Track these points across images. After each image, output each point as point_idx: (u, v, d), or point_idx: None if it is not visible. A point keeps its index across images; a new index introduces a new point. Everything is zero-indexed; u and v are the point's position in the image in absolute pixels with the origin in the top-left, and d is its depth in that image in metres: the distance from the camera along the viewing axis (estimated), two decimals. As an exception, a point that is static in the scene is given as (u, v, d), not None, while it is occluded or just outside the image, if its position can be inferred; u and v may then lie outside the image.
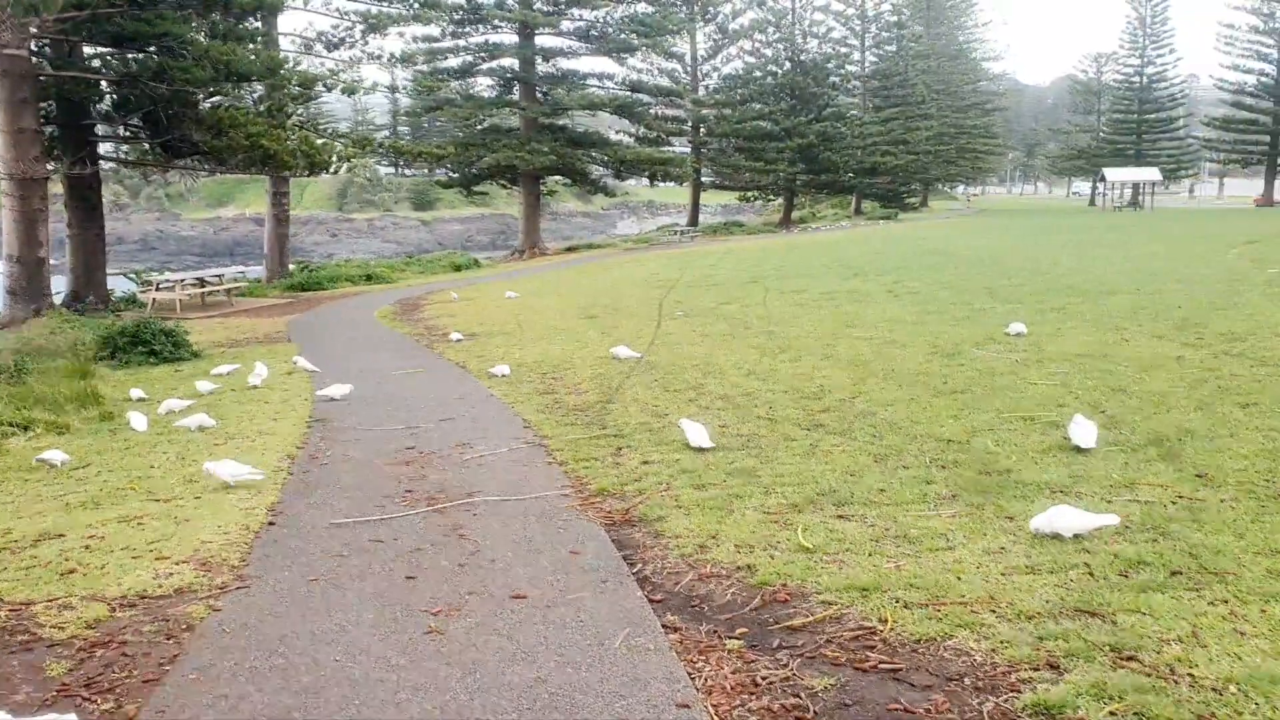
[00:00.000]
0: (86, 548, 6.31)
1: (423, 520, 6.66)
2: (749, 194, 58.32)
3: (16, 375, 13.33)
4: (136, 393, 12.55)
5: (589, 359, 13.54)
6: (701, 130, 53.85)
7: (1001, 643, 4.28)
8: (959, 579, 4.99)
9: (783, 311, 16.95)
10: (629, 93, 45.87)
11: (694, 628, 4.76)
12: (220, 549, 6.19)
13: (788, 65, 56.00)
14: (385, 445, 9.09)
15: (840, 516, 6.10)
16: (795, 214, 58.75)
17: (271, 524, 6.72)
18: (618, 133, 50.17)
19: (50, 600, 5.39)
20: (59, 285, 26.89)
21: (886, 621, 4.58)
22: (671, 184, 68.13)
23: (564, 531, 6.26)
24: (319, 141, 30.77)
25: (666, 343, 14.42)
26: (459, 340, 16.66)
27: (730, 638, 4.62)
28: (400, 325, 20.25)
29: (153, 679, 4.44)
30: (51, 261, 24.91)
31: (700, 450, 8.01)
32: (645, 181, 79.10)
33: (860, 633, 4.51)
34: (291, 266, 36.29)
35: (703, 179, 55.91)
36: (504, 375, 12.45)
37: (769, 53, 56.76)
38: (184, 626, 5.02)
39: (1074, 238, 35.10)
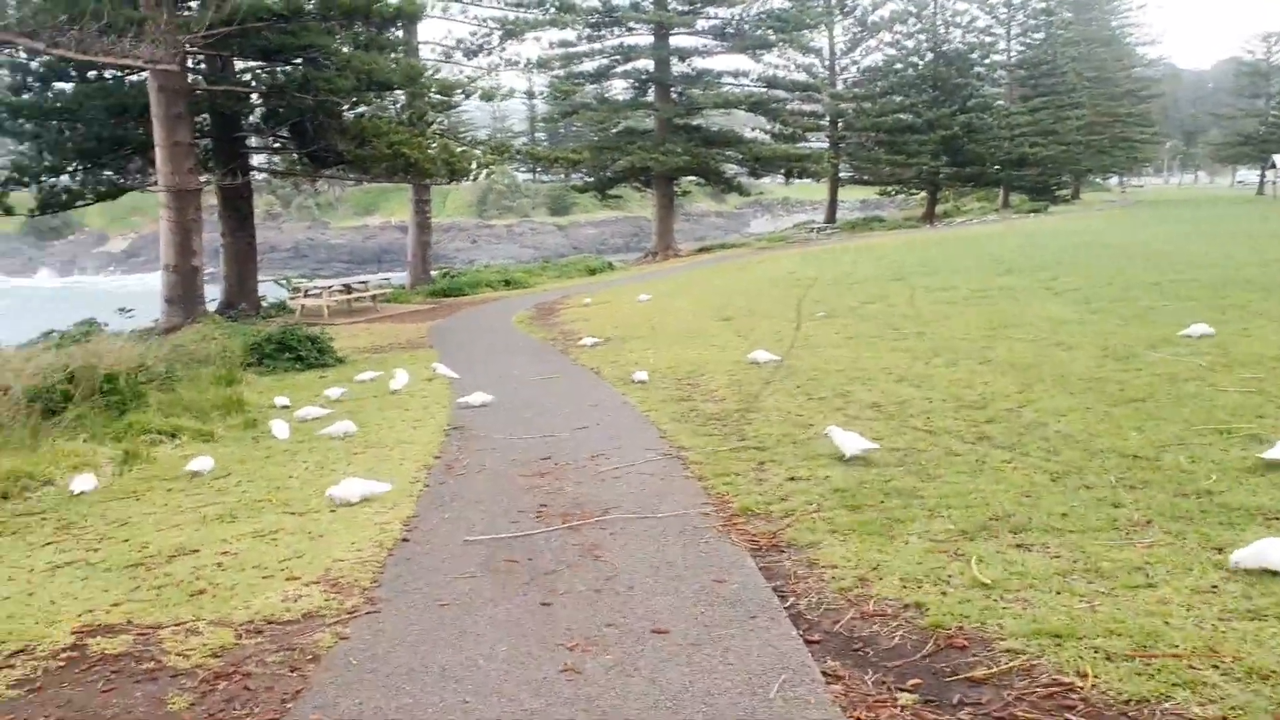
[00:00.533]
0: (219, 565, 6.14)
1: (558, 538, 6.29)
2: (889, 189, 56.79)
3: (167, 382, 13.60)
4: (281, 400, 12.63)
5: (725, 363, 13.04)
6: (839, 125, 52.70)
7: (1233, 709, 3.62)
8: (1167, 624, 4.31)
9: (932, 311, 16.11)
10: (765, 89, 45.14)
11: (859, 677, 4.22)
12: (352, 568, 5.93)
13: (930, 56, 54.32)
14: (521, 455, 8.78)
15: (1019, 545, 5.45)
16: (938, 208, 56.93)
17: (405, 540, 6.45)
18: (753, 130, 49.46)
19: (178, 624, 5.20)
20: (214, 293, 27.94)
21: (1086, 676, 3.95)
22: (808, 180, 67.09)
23: (706, 556, 5.79)
24: (459, 149, 31.14)
25: (808, 346, 13.81)
26: (593, 345, 16.39)
27: (902, 690, 4.07)
28: (536, 330, 20.14)
29: (274, 717, 4.16)
30: (208, 270, 25.87)
31: (855, 459, 7.43)
32: (780, 179, 78.31)
33: (1055, 689, 3.89)
34: (434, 272, 36.87)
35: (840, 174, 54.66)
36: (643, 381, 12.06)
37: (910, 44, 55.22)
38: (309, 657, 4.74)
39: (1244, 228, 32.85)
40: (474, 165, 30.76)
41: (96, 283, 68.69)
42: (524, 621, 5.01)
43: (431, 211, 38.45)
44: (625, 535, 6.26)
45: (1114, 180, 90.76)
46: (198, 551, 6.46)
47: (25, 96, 25.65)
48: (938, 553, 5.45)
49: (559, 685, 4.28)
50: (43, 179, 26.45)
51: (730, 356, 13.53)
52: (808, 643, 4.57)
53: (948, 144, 51.07)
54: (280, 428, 10.67)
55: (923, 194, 57.86)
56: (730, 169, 46.86)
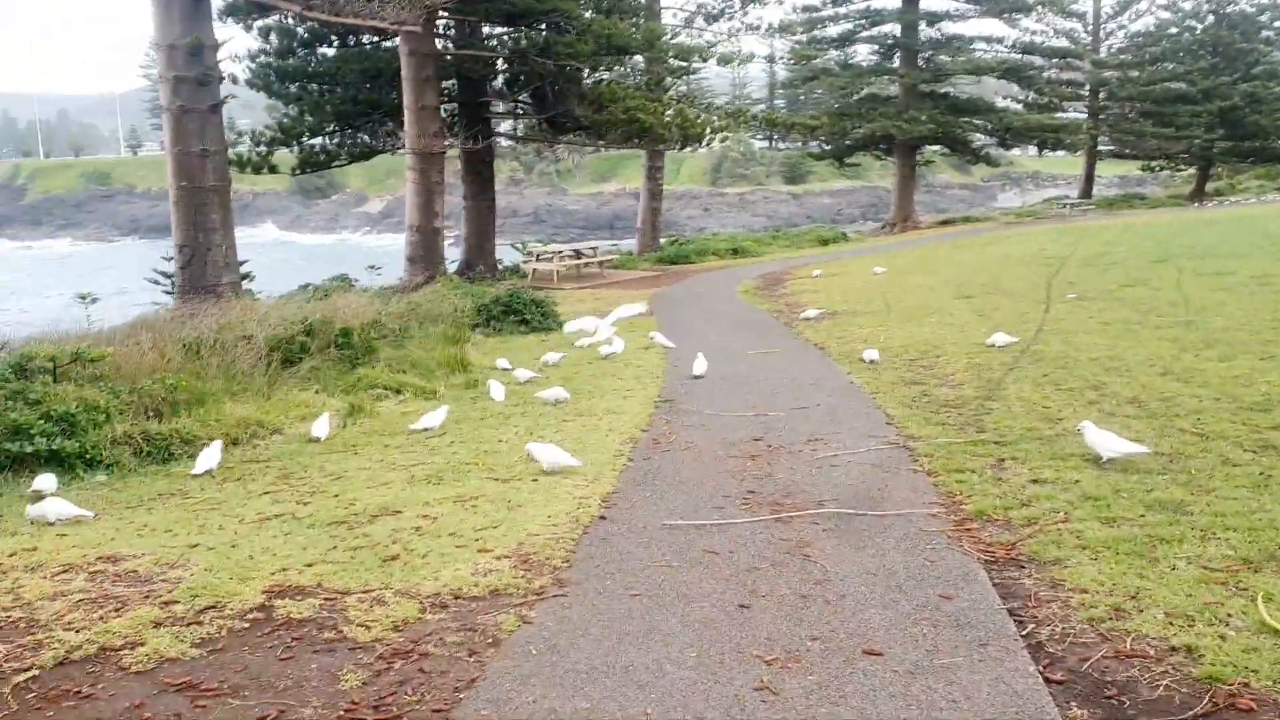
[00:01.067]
0: (417, 529, 5.99)
1: (764, 531, 5.77)
2: (1153, 164, 52.35)
3: (399, 338, 13.94)
4: (502, 362, 12.66)
5: (964, 345, 12.09)
6: (1100, 95, 48.91)
7: None
8: None
9: (1202, 298, 14.43)
10: (1020, 55, 42.39)
11: (1111, 737, 3.51)
12: (545, 544, 5.63)
13: (1210, 19, 49.49)
14: (732, 433, 8.30)
15: (1320, 586, 4.51)
16: (1209, 186, 52.03)
17: (603, 518, 6.10)
18: (1005, 99, 46.64)
19: (366, 591, 5.03)
20: (456, 255, 28.89)
21: None
22: (1061, 154, 62.79)
23: (931, 565, 5.12)
24: (694, 115, 30.79)
25: (1056, 330, 12.62)
26: (819, 318, 15.69)
27: (1167, 761, 3.34)
28: (761, 301, 19.57)
29: (442, 709, 3.87)
30: (451, 233, 26.74)
31: (1111, 462, 6.51)
32: (1031, 151, 73.74)
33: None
34: (662, 240, 36.83)
35: (1099, 148, 50.82)
36: (873, 361, 11.31)
37: (1188, 5, 50.43)
38: (489, 640, 4.44)
39: None
40: (708, 130, 30.34)
41: (360, 241, 73.00)
42: (719, 624, 4.53)
43: (664, 178, 38.38)
44: (839, 534, 5.67)
45: None
46: (399, 513, 6.34)
47: (291, 61, 27.09)
48: (1213, 584, 4.57)
49: (752, 706, 3.78)
50: (303, 139, 28.02)
51: (969, 338, 12.55)
52: (1048, 682, 3.87)
53: (1225, 116, 46.45)
54: (497, 389, 10.63)
55: (1190, 170, 53.04)
56: (977, 139, 44.42)
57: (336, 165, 29.70)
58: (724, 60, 29.89)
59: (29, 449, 7.90)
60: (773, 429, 8.41)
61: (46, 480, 7.48)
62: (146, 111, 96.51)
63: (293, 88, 28.10)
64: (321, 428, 9.06)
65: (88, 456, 8.12)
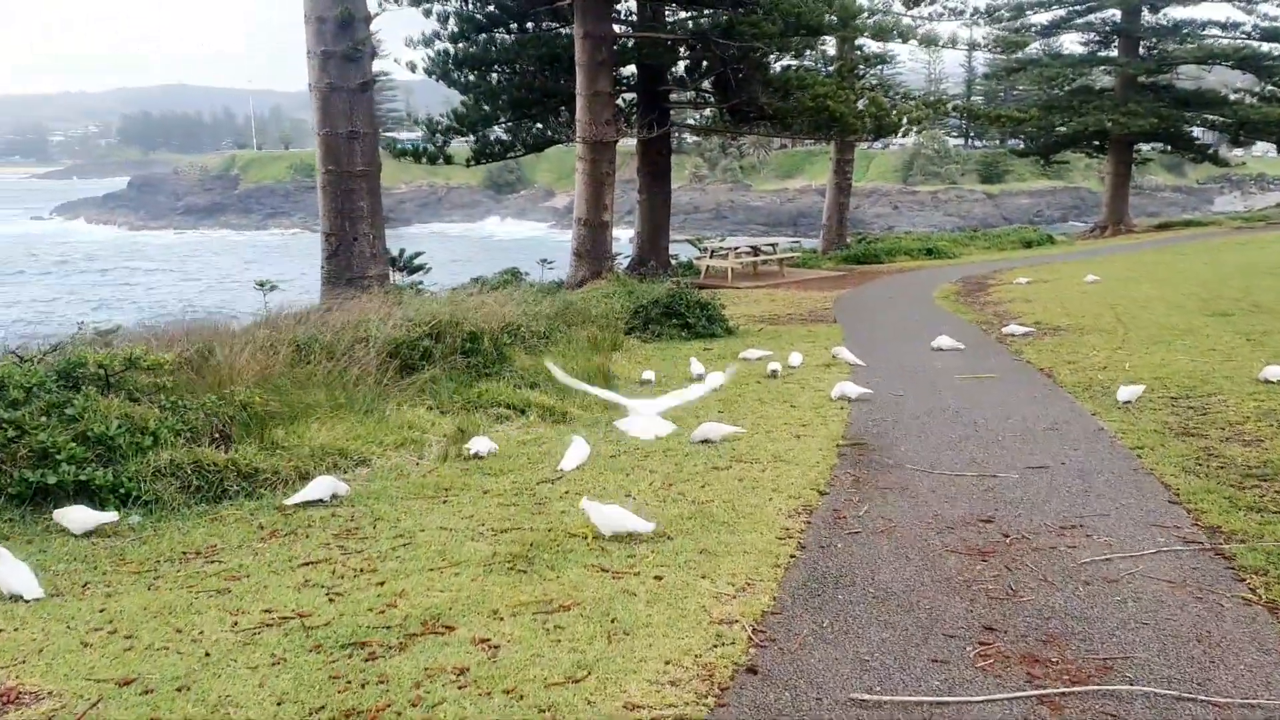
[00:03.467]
0: (460, 672, 3.84)
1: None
2: None
3: (543, 342, 11.98)
4: (647, 375, 10.52)
5: (1239, 380, 9.17)
6: (1352, 86, 42.77)
7: None
8: None
9: None
10: (1259, 43, 37.21)
11: None
12: None
13: None
14: (946, 506, 5.84)
15: None
16: None
17: (752, 671, 3.81)
18: (1236, 92, 41.30)
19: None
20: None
21: None
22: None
23: None
24: (888, 104, 27.90)
25: (1369, 365, 9.48)
26: (1035, 335, 12.86)
27: None
28: (963, 309, 16.74)
29: None
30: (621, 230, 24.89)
31: None
32: (1258, 151, 66.49)
33: None
34: (849, 238, 34.00)
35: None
36: (1129, 401, 8.54)
37: None
38: None
39: None
40: (904, 121, 27.38)
41: (546, 235, 72.68)
42: None
43: (853, 174, 35.49)
44: (1156, 743, 3.21)
45: None
46: (450, 630, 4.22)
47: (463, 45, 25.81)
48: None
49: None
50: (478, 129, 26.71)
51: (1244, 370, 9.59)
52: None
53: None
54: (634, 418, 8.44)
55: None
56: (1203, 136, 39.47)
57: (512, 155, 28.28)
58: (926, 42, 26.79)
59: (51, 479, 6.23)
60: (1004, 501, 5.90)
61: (76, 514, 5.87)
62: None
63: (470, 75, 26.86)
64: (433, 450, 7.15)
65: (123, 490, 6.40)
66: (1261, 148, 64.32)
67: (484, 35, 26.28)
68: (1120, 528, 5.35)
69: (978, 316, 15.67)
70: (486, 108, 26.57)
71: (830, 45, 31.33)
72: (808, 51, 29.07)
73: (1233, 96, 38.59)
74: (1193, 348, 11.18)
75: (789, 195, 78.20)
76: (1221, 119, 37.08)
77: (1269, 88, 39.69)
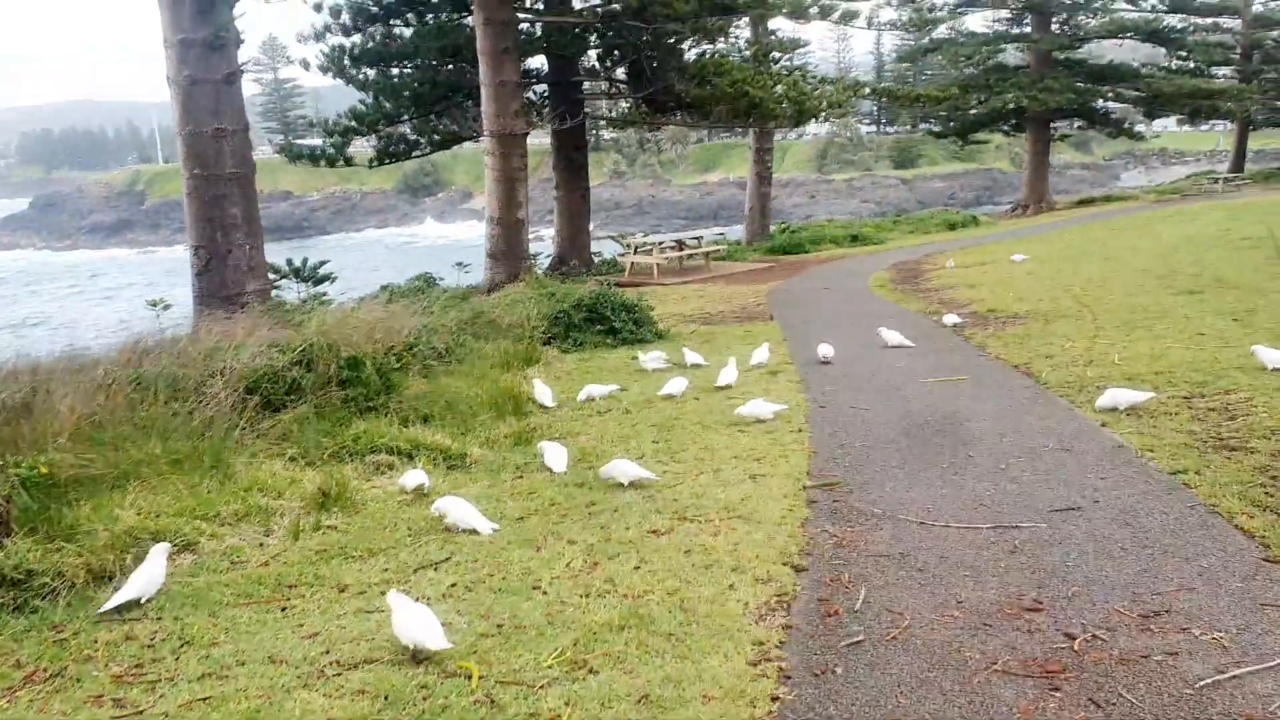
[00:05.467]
0: None
1: None
2: (1315, 132, 45.69)
3: (446, 361, 10.14)
4: (542, 394, 8.78)
5: (1251, 370, 7.74)
6: (1255, 57, 42.52)
7: None
8: None
9: None
10: (1167, 15, 36.58)
11: None
12: None
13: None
14: (969, 584, 4.20)
15: None
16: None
17: None
18: (1144, 65, 40.75)
19: None
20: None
21: None
22: (1194, 128, 56.18)
23: None
24: (808, 88, 26.46)
25: (1388, 345, 8.13)
26: (999, 326, 11.40)
27: None
28: (904, 298, 15.27)
29: None
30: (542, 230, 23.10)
31: None
32: (1162, 125, 66.78)
33: None
34: (772, 228, 32.57)
35: (1252, 117, 44.34)
36: (1131, 407, 7.00)
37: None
38: None
39: None
40: (824, 104, 25.96)
41: (469, 236, 70.20)
42: None
43: (773, 163, 34.04)
44: None
45: None
46: None
47: (358, 38, 23.78)
48: None
49: None
50: (380, 127, 24.64)
51: (1248, 357, 8.14)
52: None
53: (1400, 74, 39.86)
54: (556, 455, 6.70)
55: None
56: (1116, 109, 38.83)
57: (418, 154, 26.17)
58: (844, 18, 25.38)
59: None
60: (1044, 570, 4.28)
61: None
62: (258, 115, 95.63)
63: (369, 71, 24.80)
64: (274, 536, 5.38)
65: None
66: (1160, 123, 64.71)
67: (381, 28, 24.27)
68: (1221, 611, 3.76)
69: (922, 305, 14.20)
70: (388, 105, 24.49)
71: (745, 30, 29.90)
72: (722, 37, 27.55)
73: (1145, 70, 37.99)
74: (1179, 332, 9.77)
75: (708, 188, 76.83)
76: (1135, 92, 36.41)
77: (1177, 60, 39.28)
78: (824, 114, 26.52)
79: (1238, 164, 45.72)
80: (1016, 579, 4.22)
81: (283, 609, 4.57)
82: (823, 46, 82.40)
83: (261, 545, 5.48)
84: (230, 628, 4.39)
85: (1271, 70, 43.22)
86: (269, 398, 7.97)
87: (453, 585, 4.72)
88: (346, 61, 24.17)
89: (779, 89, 24.66)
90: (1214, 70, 41.17)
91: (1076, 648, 3.55)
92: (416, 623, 3.89)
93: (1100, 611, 3.83)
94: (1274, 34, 42.74)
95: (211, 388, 7.80)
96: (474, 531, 5.45)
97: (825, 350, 10.10)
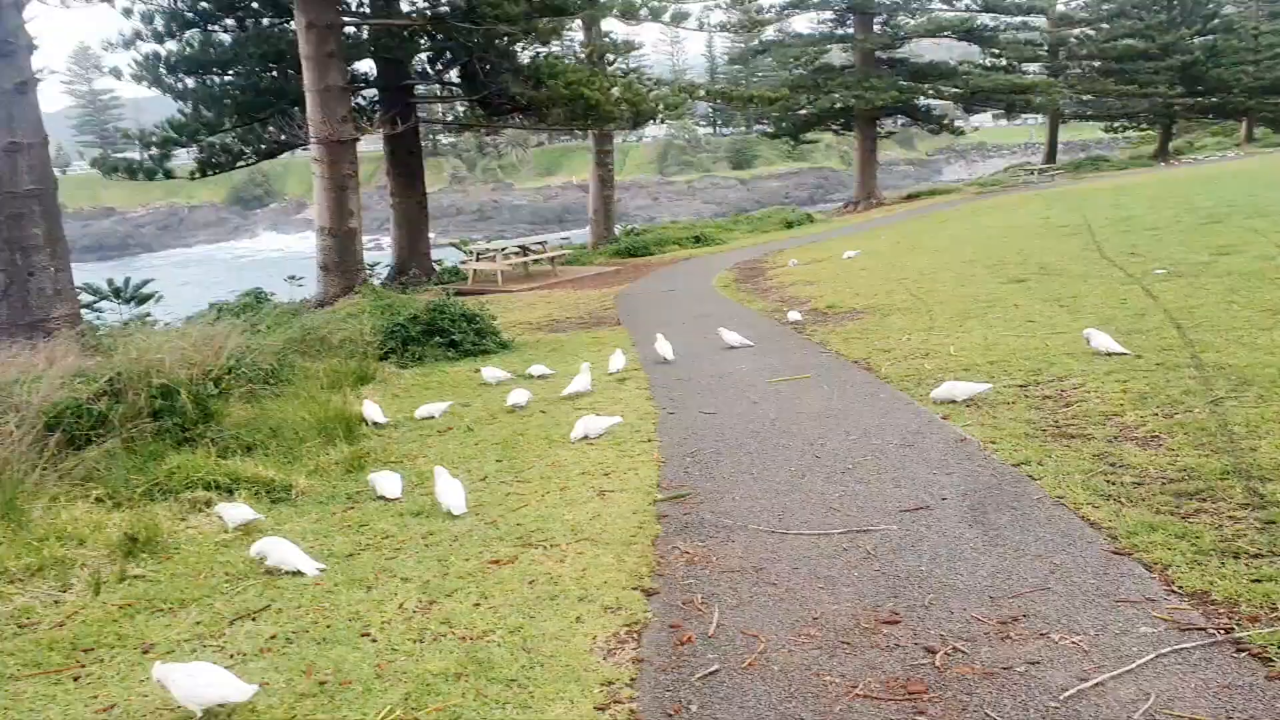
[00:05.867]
0: None
1: None
2: (1115, 124, 48.53)
3: (272, 383, 9.49)
4: (372, 412, 8.31)
5: (1080, 355, 7.92)
6: (1060, 54, 44.98)
7: None
8: None
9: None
10: (980, 14, 38.25)
11: None
12: None
13: (1163, -29, 45.78)
14: (825, 598, 4.02)
15: None
16: (1169, 145, 48.26)
17: None
18: (961, 63, 42.53)
19: None
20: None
21: None
22: (1009, 123, 59.20)
23: None
24: (644, 90, 26.45)
25: (1196, 324, 8.48)
26: (840, 321, 11.48)
27: None
28: (748, 297, 15.31)
29: None
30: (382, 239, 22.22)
31: None
32: (980, 121, 70.09)
33: None
34: (617, 230, 32.49)
35: (1061, 111, 46.84)
36: (969, 399, 7.04)
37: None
38: None
39: None
40: (661, 106, 26.02)
41: (305, 248, 67.73)
42: None
43: (614, 166, 33.97)
44: None
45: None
46: None
47: (172, 45, 22.45)
48: None
49: None
50: (200, 137, 23.30)
51: (1076, 342, 8.35)
52: None
53: (1185, 71, 42.79)
54: (389, 483, 6.26)
55: (1149, 130, 49.38)
56: (939, 107, 40.39)
57: (243, 164, 24.90)
58: (675, 19, 25.46)
59: None
60: (900, 578, 4.14)
61: None
62: (73, 129, 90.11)
63: (188, 80, 23.44)
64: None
65: None
66: (978, 119, 67.83)
67: (198, 34, 22.97)
68: (1077, 611, 3.67)
69: (766, 304, 14.24)
70: (209, 114, 23.21)
71: (580, 33, 29.73)
72: (556, 40, 27.26)
73: (962, 67, 39.63)
74: (1009, 320, 10.00)
75: (552, 192, 76.42)
76: (955, 89, 37.94)
77: (990, 58, 41.15)
78: (661, 116, 26.59)
79: (1050, 155, 48.32)
80: (872, 588, 4.06)
81: (76, 678, 4.02)
82: (657, 49, 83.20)
83: (57, 603, 4.87)
84: (11, 705, 3.82)
85: (1076, 66, 45.87)
86: (72, 434, 7.25)
87: (272, 637, 4.26)
88: (162, 70, 22.84)
89: (615, 91, 24.56)
90: (1025, 67, 43.41)
91: (938, 663, 3.39)
92: (204, 683, 3.46)
93: (959, 620, 3.69)
94: (1076, 31, 45.37)
95: (4, 425, 7.03)
96: (298, 573, 4.99)
97: (663, 349, 9.98)
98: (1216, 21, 45.81)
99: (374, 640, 4.08)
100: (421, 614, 4.28)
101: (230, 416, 8.11)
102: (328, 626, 4.29)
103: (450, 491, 5.76)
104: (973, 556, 4.27)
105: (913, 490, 5.25)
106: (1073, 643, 3.40)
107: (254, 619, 4.51)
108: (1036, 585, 3.90)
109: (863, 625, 3.73)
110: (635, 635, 3.83)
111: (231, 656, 4.13)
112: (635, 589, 4.29)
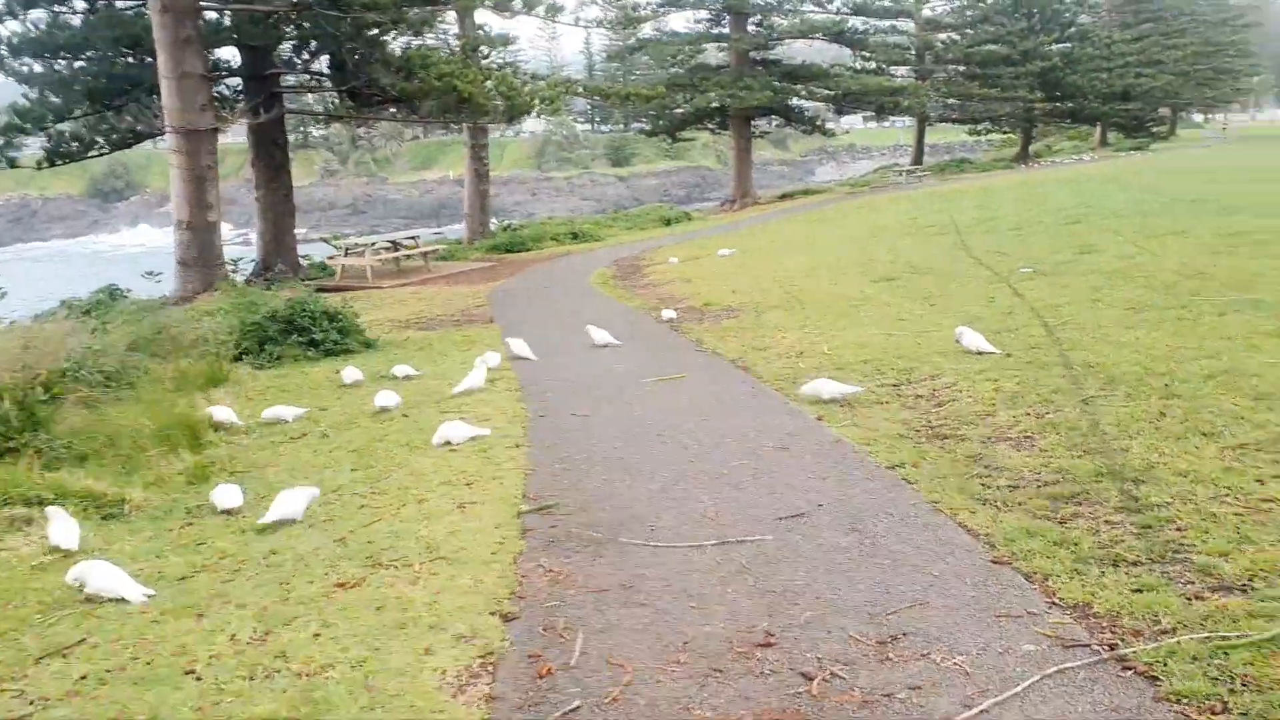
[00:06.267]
0: None
1: None
2: (980, 128, 50.06)
3: (113, 387, 8.75)
4: (224, 415, 7.74)
5: (952, 356, 7.88)
6: (927, 58, 46.14)
7: None
8: None
9: (1209, 266, 10.74)
10: (850, 17, 38.88)
11: None
12: None
13: (1020, -21, 47.38)
14: (698, 618, 3.73)
15: None
16: (1029, 148, 50.03)
17: None
18: (833, 66, 43.21)
19: None
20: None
21: None
22: (879, 125, 60.62)
23: None
24: (519, 83, 25.91)
25: (1065, 324, 8.56)
26: (715, 320, 11.30)
27: None
28: (626, 295, 15.05)
29: None
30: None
31: None
32: (849, 123, 71.61)
33: None
34: (493, 225, 31.85)
35: (928, 114, 48.04)
36: (838, 399, 6.88)
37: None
38: None
39: None
40: (536, 102, 25.51)
41: (167, 243, 64.59)
42: None
43: (489, 160, 33.28)
44: None
45: (1201, 117, 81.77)
46: None
47: (21, 28, 20.96)
48: None
49: None
50: (48, 124, 21.77)
51: (946, 340, 8.33)
52: None
53: (1044, 77, 44.42)
54: (229, 495, 5.74)
55: (1011, 134, 51.14)
56: (811, 108, 40.91)
57: (96, 154, 23.38)
58: (550, 12, 24.97)
59: None
60: (775, 594, 3.87)
61: None
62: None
63: (34, 64, 21.91)
64: None
65: None
66: (848, 120, 69.33)
67: (45, 15, 21.47)
68: (958, 628, 3.47)
69: (643, 301, 13.99)
70: (56, 99, 21.73)
71: (454, 25, 28.94)
72: (429, 30, 26.49)
73: (834, 69, 40.21)
74: (881, 319, 9.97)
75: (428, 186, 74.78)
76: (827, 91, 38.45)
77: (860, 60, 41.90)
78: (537, 110, 26.07)
79: (918, 157, 49.59)
80: (746, 607, 3.79)
81: None
82: (535, 45, 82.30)
83: None
84: None
85: (942, 70, 47.12)
86: None
87: (82, 677, 3.75)
88: (3, 51, 21.30)
89: (489, 84, 23.97)
90: (894, 70, 44.39)
91: (815, 691, 3.13)
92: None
93: (836, 641, 3.45)
94: (943, 36, 46.62)
95: None
96: (122, 600, 4.46)
97: (518, 347, 9.72)
98: (1073, 30, 47.70)
99: (199, 679, 3.62)
100: (255, 646, 3.83)
101: (63, 424, 7.39)
102: (148, 663, 3.80)
103: (288, 499, 5.31)
104: (850, 568, 4.05)
105: (789, 497, 5.02)
106: (955, 664, 3.19)
107: (65, 655, 3.98)
108: (916, 599, 3.70)
109: (736, 650, 3.45)
110: (490, 668, 3.47)
111: (32, 703, 3.61)
112: (493, 614, 3.93)
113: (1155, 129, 55.58)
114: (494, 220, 33.59)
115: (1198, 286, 9.57)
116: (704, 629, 3.64)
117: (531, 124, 69.13)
